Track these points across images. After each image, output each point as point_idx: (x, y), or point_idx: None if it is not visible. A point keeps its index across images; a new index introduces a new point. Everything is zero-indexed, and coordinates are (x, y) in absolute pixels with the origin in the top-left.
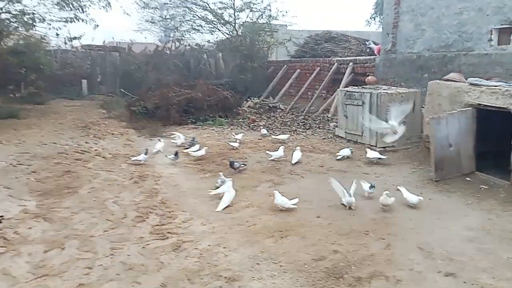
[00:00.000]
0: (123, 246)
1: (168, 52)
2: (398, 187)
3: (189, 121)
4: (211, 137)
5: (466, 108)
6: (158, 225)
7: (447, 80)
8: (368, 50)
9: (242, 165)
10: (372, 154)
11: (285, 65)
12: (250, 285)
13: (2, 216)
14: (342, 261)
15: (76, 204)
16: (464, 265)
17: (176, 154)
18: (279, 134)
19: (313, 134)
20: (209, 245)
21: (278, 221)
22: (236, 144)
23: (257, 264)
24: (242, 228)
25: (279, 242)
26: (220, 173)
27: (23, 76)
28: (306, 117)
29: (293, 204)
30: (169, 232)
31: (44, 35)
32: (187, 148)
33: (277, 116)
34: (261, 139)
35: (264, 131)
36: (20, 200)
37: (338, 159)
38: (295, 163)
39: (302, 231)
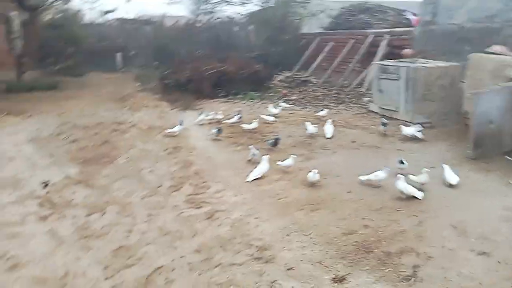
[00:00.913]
0: (159, 213)
1: (199, 25)
2: (443, 165)
3: (220, 95)
4: (242, 111)
5: (510, 83)
6: (192, 194)
7: (490, 53)
8: (405, 22)
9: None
10: (407, 130)
11: (318, 38)
12: (280, 255)
13: (47, 181)
14: (372, 236)
15: (115, 172)
16: (499, 245)
17: (219, 129)
18: (320, 111)
19: (345, 109)
20: (241, 215)
21: (309, 195)
22: (271, 118)
23: (288, 235)
24: (273, 201)
25: (310, 215)
26: (251, 146)
27: (61, 49)
28: (339, 91)
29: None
30: (202, 202)
31: (79, 9)
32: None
33: (309, 90)
34: (292, 113)
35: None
36: (63, 167)
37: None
38: (330, 137)
39: (332, 205)
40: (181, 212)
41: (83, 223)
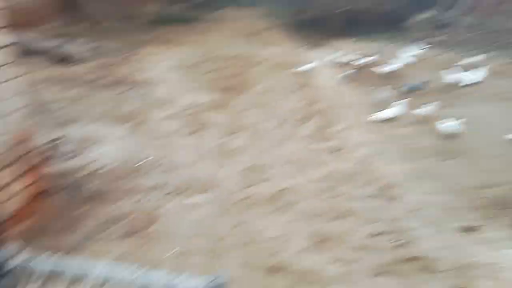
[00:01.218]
0: (286, 142)
1: None
2: None
3: (353, 34)
4: (377, 52)
5: None
6: (317, 130)
7: None
8: None
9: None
10: None
11: None
12: (405, 196)
13: (192, 103)
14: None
15: (248, 101)
16: None
17: (355, 70)
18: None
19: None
20: (365, 154)
21: (443, 145)
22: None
23: (415, 179)
24: (402, 145)
25: (442, 164)
26: (384, 88)
27: None
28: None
29: None
30: (327, 138)
31: None
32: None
33: (457, 31)
34: (435, 56)
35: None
36: (205, 93)
37: None
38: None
39: (469, 157)
40: (307, 144)
41: (222, 142)
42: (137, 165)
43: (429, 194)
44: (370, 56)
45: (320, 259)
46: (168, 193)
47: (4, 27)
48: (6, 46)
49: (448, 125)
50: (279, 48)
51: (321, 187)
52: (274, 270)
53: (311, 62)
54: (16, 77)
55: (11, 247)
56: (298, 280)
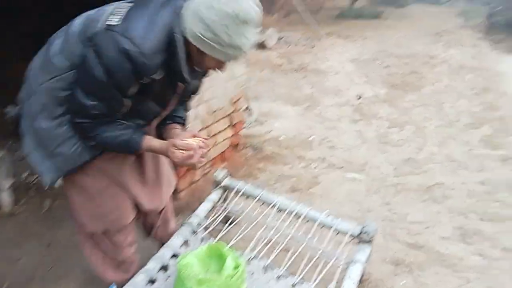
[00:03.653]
0: (450, 142)
1: None
2: None
3: None
4: None
5: None
6: (489, 136)
7: None
8: None
9: None
10: None
11: None
12: None
13: (361, 95)
14: None
15: (417, 99)
16: None
17: None
18: None
19: None
20: None
21: None
22: None
23: None
24: None
25: None
26: None
27: None
28: None
29: None
30: (499, 146)
31: None
32: None
33: None
34: None
35: None
36: (374, 87)
37: None
38: None
39: None
40: (472, 148)
41: (384, 132)
42: (306, 140)
43: None
44: None
45: (462, 249)
46: (329, 166)
47: None
48: None
49: None
50: (465, 50)
51: (479, 189)
52: (414, 246)
53: (503, 66)
54: None
55: (224, 171)
56: (435, 259)
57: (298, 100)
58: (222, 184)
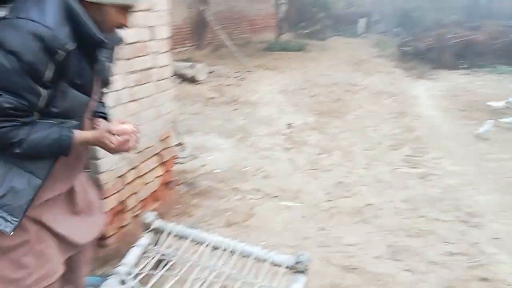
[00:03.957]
0: (375, 164)
1: None
2: None
3: (461, 66)
4: (485, 85)
5: None
6: (409, 155)
7: None
8: None
9: None
10: None
11: None
12: (489, 225)
13: (291, 124)
14: None
15: (343, 125)
16: None
17: None
18: None
19: None
20: (455, 182)
21: None
22: None
23: (503, 211)
24: (497, 178)
25: None
26: (489, 121)
27: (313, 14)
28: None
29: None
30: (418, 164)
31: None
32: None
33: None
34: None
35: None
36: (303, 115)
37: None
38: None
39: None
40: (396, 168)
41: (314, 159)
42: (240, 171)
43: None
44: (479, 89)
45: (392, 266)
46: (264, 196)
47: (167, 51)
48: (167, 65)
49: None
50: (382, 77)
51: (404, 207)
52: (349, 269)
53: (415, 91)
54: (168, 89)
55: (153, 213)
56: (369, 279)
57: (231, 132)
58: (152, 226)
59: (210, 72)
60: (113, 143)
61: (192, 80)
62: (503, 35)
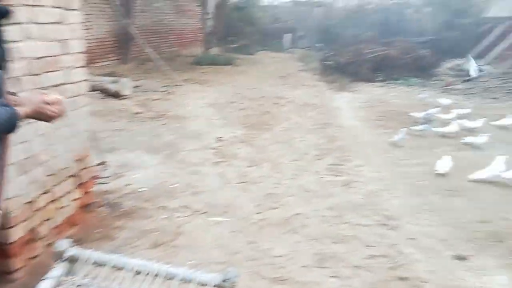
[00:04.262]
0: (302, 174)
1: (371, 7)
2: None
3: (378, 79)
4: (398, 96)
5: None
6: (333, 164)
7: None
8: None
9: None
10: None
11: (505, 23)
12: (405, 226)
13: (221, 137)
14: (508, 228)
15: (271, 137)
16: None
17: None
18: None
19: None
20: (375, 188)
21: (448, 182)
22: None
23: (417, 213)
24: (410, 182)
25: (446, 199)
26: (402, 129)
27: (240, 29)
28: None
29: None
30: (341, 172)
31: None
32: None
33: (481, 80)
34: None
35: (424, 95)
36: (233, 128)
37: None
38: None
39: (471, 194)
40: (321, 177)
41: (244, 172)
42: (168, 188)
43: (429, 226)
44: (393, 99)
45: (320, 274)
46: (193, 213)
47: (82, 66)
48: (82, 81)
49: (440, 163)
50: (307, 90)
51: (330, 214)
52: (278, 280)
53: (337, 103)
54: (84, 106)
55: (67, 241)
56: None
57: (159, 148)
58: (66, 255)
59: (136, 87)
60: (54, 112)
61: (116, 95)
62: (412, 50)
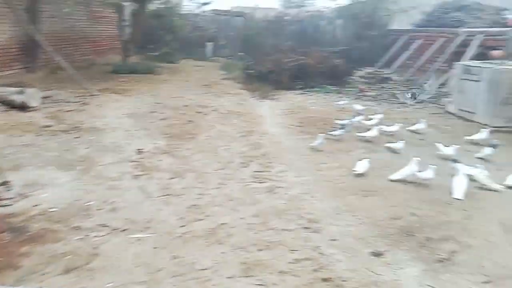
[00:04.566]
0: (228, 183)
1: (287, 18)
2: None
3: (298, 87)
4: (316, 103)
5: None
6: (257, 171)
7: None
8: (503, 22)
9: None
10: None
11: (406, 35)
12: (327, 228)
13: (141, 149)
14: (417, 223)
15: (195, 147)
16: None
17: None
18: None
19: (422, 108)
20: (298, 193)
21: (364, 183)
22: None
23: (337, 214)
24: (330, 185)
25: (361, 200)
26: (320, 134)
27: (161, 37)
28: (420, 90)
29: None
30: (265, 178)
31: (180, 0)
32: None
33: (388, 87)
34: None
35: (342, 102)
36: (154, 139)
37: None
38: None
39: (385, 193)
40: (246, 185)
41: (166, 184)
42: (82, 206)
43: (348, 226)
44: (311, 106)
45: (247, 283)
46: (111, 231)
47: None
48: None
49: (360, 164)
50: (231, 98)
51: (255, 221)
52: None
53: (260, 110)
54: None
55: None
56: None
57: (72, 163)
58: None
59: (45, 97)
60: None
61: (22, 107)
62: (327, 60)
